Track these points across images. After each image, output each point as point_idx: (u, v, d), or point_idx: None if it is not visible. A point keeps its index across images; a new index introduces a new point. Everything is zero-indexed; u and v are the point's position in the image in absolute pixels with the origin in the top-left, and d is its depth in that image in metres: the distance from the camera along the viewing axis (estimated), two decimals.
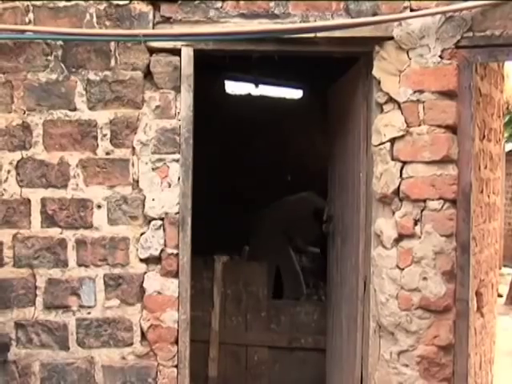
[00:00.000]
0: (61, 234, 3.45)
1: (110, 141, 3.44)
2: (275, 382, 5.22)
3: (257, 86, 7.28)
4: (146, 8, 3.42)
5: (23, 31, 3.42)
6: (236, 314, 5.26)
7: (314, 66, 4.96)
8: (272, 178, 7.02)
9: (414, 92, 3.31)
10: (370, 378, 3.52)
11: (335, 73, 4.34)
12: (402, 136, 3.33)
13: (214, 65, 4.65)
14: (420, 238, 3.33)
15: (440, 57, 3.29)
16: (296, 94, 7.56)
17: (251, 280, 5.36)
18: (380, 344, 3.44)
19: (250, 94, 7.44)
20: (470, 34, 3.27)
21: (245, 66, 6.05)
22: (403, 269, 3.34)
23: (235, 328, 5.30)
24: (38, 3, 3.42)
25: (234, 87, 7.40)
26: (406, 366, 3.37)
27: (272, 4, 3.39)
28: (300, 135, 6.47)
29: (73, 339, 3.48)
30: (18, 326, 3.49)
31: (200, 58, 3.47)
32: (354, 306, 3.79)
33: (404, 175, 3.34)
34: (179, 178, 3.45)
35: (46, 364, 3.49)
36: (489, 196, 4.17)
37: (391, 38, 3.34)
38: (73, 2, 3.42)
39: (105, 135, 3.44)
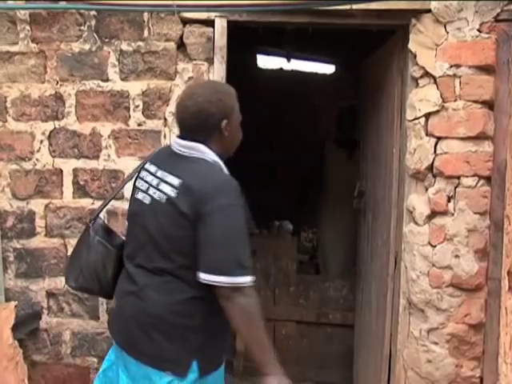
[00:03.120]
0: (92, 204, 3.47)
1: (142, 112, 3.44)
2: (302, 356, 5.23)
3: (289, 60, 7.21)
4: None
5: (57, 0, 3.42)
6: (265, 288, 5.26)
7: (347, 41, 4.89)
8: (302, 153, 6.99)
9: (451, 66, 3.23)
10: (398, 355, 3.50)
11: (368, 48, 4.28)
12: (437, 111, 3.26)
13: (246, 39, 4.61)
14: (453, 215, 3.28)
15: (478, 30, 3.20)
16: (328, 69, 7.47)
17: (280, 254, 5.35)
18: (409, 321, 3.42)
19: (281, 69, 7.37)
20: (511, 7, 3.17)
21: (277, 41, 5.99)
22: (435, 246, 3.30)
23: (263, 302, 5.27)
24: None
25: (265, 61, 7.33)
26: (436, 343, 3.35)
27: None
28: (331, 110, 6.40)
29: (103, 309, 3.51)
30: (50, 295, 3.54)
31: (233, 30, 3.43)
32: (384, 283, 3.76)
33: (438, 151, 3.28)
34: None
35: (76, 333, 3.55)
36: None
37: (428, 11, 3.25)
38: None
39: (137, 106, 3.44)
